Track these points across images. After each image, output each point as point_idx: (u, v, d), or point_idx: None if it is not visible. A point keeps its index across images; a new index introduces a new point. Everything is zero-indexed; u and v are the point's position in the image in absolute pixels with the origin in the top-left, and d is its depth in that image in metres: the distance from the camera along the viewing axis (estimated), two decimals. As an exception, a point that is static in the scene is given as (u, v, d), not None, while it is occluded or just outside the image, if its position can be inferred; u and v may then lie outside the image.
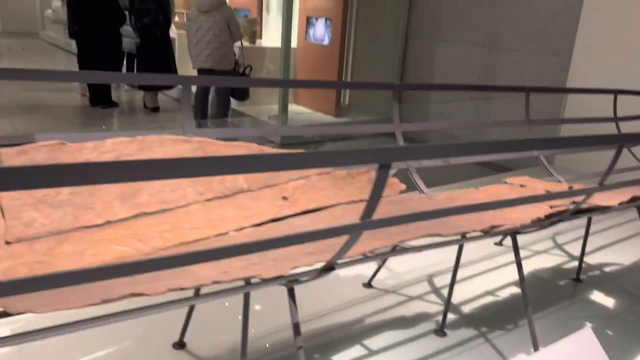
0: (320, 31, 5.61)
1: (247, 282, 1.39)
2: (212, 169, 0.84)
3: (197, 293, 1.55)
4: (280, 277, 1.17)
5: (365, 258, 1.29)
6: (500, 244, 2.73)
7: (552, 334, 1.96)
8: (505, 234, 1.71)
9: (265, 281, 1.19)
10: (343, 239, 1.13)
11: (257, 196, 1.59)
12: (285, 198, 1.63)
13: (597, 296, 2.31)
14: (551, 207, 1.86)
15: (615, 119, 2.92)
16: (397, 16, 5.36)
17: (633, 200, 1.87)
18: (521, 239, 2.76)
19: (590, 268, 2.55)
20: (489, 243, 2.72)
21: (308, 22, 5.74)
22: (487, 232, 1.65)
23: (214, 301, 1.37)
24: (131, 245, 1.29)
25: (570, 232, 2.91)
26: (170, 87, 6.18)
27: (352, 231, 1.02)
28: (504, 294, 2.27)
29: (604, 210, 1.79)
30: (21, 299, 1.00)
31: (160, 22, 5.54)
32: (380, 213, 1.74)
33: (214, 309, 1.93)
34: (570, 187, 2.15)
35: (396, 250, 1.72)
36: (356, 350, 1.81)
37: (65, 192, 1.31)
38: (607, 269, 2.56)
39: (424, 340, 1.90)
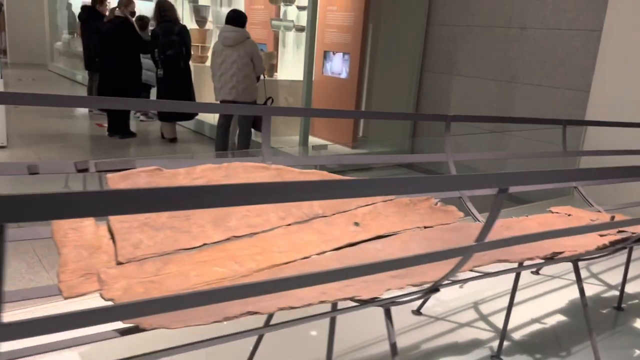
0: (338, 65, 5.76)
1: (334, 307, 1.44)
2: (302, 195, 0.88)
3: (268, 321, 1.59)
4: (376, 299, 1.22)
5: (453, 282, 1.34)
6: (537, 273, 2.78)
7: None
8: (568, 260, 1.77)
9: (365, 302, 1.24)
10: (433, 265, 1.18)
11: (331, 222, 1.65)
12: (357, 224, 1.69)
13: (640, 324, 2.36)
14: (601, 235, 1.92)
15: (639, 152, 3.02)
16: (412, 51, 5.52)
17: (684, 228, 1.94)
18: (556, 268, 2.82)
19: (630, 297, 2.59)
20: (526, 272, 2.77)
21: (325, 57, 5.89)
22: (549, 259, 1.71)
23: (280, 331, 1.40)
24: (228, 267, 1.34)
25: (603, 261, 2.96)
26: (189, 118, 6.27)
27: (466, 252, 1.07)
28: (551, 321, 2.31)
29: (660, 238, 1.85)
30: (153, 316, 1.04)
31: (183, 54, 5.67)
32: (444, 239, 1.80)
33: (275, 340, 1.96)
34: (613, 217, 2.22)
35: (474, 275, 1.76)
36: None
37: (164, 215, 1.36)
38: (646, 298, 2.61)
39: (476, 367, 1.93)
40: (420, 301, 2.31)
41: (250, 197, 0.81)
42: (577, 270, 1.78)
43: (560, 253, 1.69)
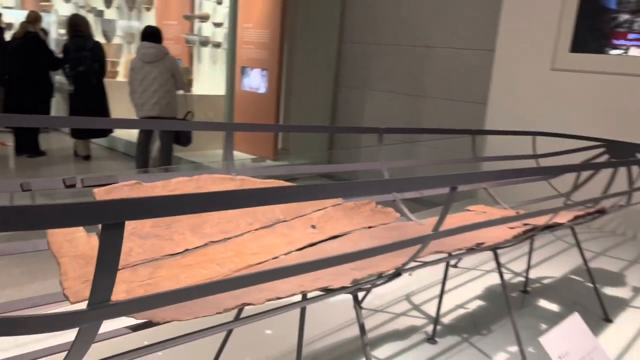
0: (256, 80, 5.93)
1: (304, 297, 1.62)
2: (268, 200, 1.02)
3: (238, 314, 1.74)
4: (350, 286, 1.43)
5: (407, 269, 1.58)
6: (456, 266, 3.12)
7: (510, 336, 2.33)
8: (489, 249, 2.07)
9: (336, 290, 1.43)
10: (382, 257, 1.40)
11: (291, 225, 1.83)
12: (313, 227, 1.88)
13: (544, 304, 2.75)
14: (510, 227, 2.27)
15: (536, 156, 3.49)
16: (327, 67, 5.84)
17: (575, 219, 2.34)
18: (469, 261, 3.18)
19: (534, 281, 3.01)
20: (442, 266, 3.11)
21: (243, 72, 6.04)
22: (474, 249, 2.01)
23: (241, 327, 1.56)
24: (211, 269, 1.48)
25: (509, 252, 3.38)
26: (104, 135, 6.14)
27: (425, 240, 1.30)
28: (473, 305, 2.64)
29: (559, 226, 2.22)
30: (162, 310, 1.17)
31: (96, 69, 5.57)
32: (386, 236, 2.04)
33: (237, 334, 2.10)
34: (517, 212, 2.59)
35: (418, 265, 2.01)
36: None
37: (147, 225, 1.48)
38: (547, 281, 3.04)
39: (420, 349, 2.19)
40: (362, 295, 2.54)
41: (229, 203, 0.91)
42: (497, 258, 2.09)
43: (483, 243, 1.99)
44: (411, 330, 2.34)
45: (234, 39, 5.20)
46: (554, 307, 2.72)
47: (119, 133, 6.46)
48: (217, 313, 1.24)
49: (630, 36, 3.93)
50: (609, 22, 4.04)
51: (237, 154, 5.81)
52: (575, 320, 1.61)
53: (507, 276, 3.06)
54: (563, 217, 2.31)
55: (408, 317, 2.47)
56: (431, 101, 5.25)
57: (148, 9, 7.27)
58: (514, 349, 2.21)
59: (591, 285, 2.78)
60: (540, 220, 2.16)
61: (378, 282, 1.47)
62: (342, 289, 1.45)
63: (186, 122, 1.74)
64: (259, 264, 1.59)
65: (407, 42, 5.36)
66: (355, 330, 2.28)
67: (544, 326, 2.50)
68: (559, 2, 4.22)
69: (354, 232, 1.97)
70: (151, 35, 4.88)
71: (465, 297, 2.74)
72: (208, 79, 6.58)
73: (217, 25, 6.24)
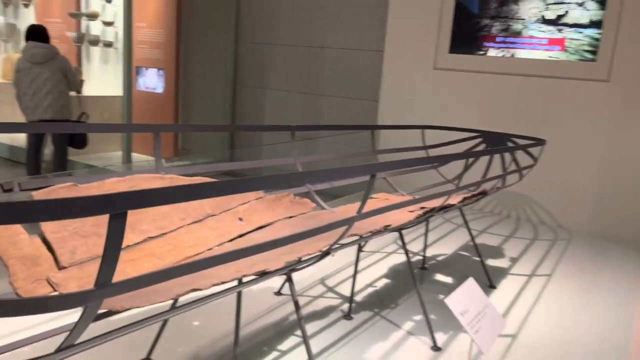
0: (152, 80, 5.85)
1: (240, 281, 1.76)
2: (201, 194, 1.12)
3: (173, 305, 1.84)
4: (285, 267, 1.60)
5: (322, 255, 1.78)
6: (361, 250, 3.40)
7: (414, 307, 2.63)
8: (395, 230, 2.34)
9: (272, 272, 1.60)
10: (301, 243, 1.59)
11: (220, 219, 1.96)
12: (240, 219, 2.02)
13: (440, 277, 3.11)
14: (410, 211, 2.57)
15: (425, 147, 3.87)
16: (225, 67, 5.91)
17: (464, 200, 2.69)
18: (373, 244, 3.47)
19: (430, 259, 3.36)
20: (352, 250, 3.37)
21: (138, 72, 5.92)
22: (383, 231, 2.26)
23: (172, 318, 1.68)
24: (154, 262, 1.57)
25: (406, 235, 3.73)
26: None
27: (351, 221, 1.51)
28: (380, 284, 2.92)
29: (451, 207, 2.55)
30: (120, 300, 1.26)
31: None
32: (306, 224, 2.23)
33: (172, 326, 2.18)
34: (414, 197, 2.91)
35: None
36: (285, 344, 2.23)
37: (89, 224, 1.53)
38: (441, 258, 3.41)
39: (338, 325, 2.41)
40: (280, 284, 2.72)
41: (169, 198, 0.97)
42: (402, 237, 2.37)
43: (389, 225, 2.25)
44: (329, 310, 2.55)
45: (129, 38, 5.09)
46: (448, 279, 3.09)
47: (1, 138, 6.03)
48: (171, 299, 1.35)
49: (498, 39, 4.47)
50: (475, 27, 4.55)
51: (136, 156, 5.70)
52: (470, 284, 1.91)
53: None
54: (454, 200, 2.66)
55: (324, 298, 2.69)
56: (326, 99, 5.53)
57: (26, 5, 6.82)
58: (419, 317, 2.51)
59: (477, 258, 3.18)
60: (437, 203, 2.47)
61: (310, 263, 1.65)
62: (277, 271, 1.61)
63: (112, 125, 1.74)
64: (195, 255, 1.71)
65: (303, 42, 5.59)
66: (276, 315, 2.45)
67: (441, 296, 2.83)
68: (438, 8, 4.68)
69: (277, 222, 2.14)
70: (38, 34, 4.64)
71: (373, 276, 3.01)
72: (100, 80, 6.34)
73: (108, 24, 6.04)
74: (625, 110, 4.04)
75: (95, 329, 1.20)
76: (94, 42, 6.17)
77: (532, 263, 3.44)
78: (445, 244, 3.69)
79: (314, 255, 1.67)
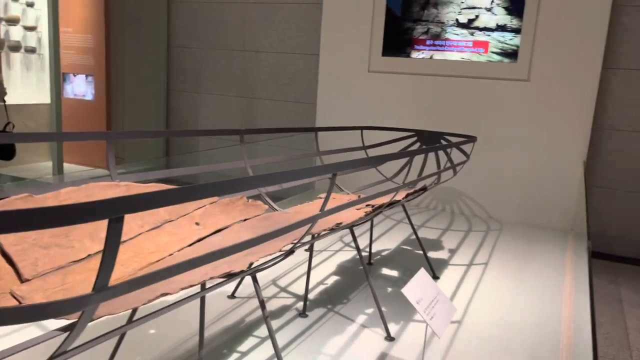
0: (81, 87, 5.63)
1: (203, 287, 1.78)
2: (152, 203, 1.11)
3: (131, 317, 1.82)
4: (250, 269, 1.63)
5: (282, 254, 1.83)
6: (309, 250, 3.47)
7: (365, 301, 2.74)
8: (347, 227, 2.42)
9: (238, 273, 1.63)
10: (267, 242, 1.64)
11: (178, 224, 1.96)
12: (197, 223, 2.03)
13: (385, 271, 3.23)
14: (357, 209, 2.67)
15: (364, 147, 4.01)
16: (157, 72, 5.80)
17: (407, 196, 2.82)
18: (320, 244, 3.55)
19: (375, 254, 3.49)
20: (300, 250, 3.44)
21: (64, 79, 5.69)
22: (337, 228, 2.34)
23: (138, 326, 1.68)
24: (117, 270, 1.56)
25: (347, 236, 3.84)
26: None
27: (314, 220, 1.57)
28: (331, 280, 3.00)
29: (396, 203, 2.67)
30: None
31: None
32: (261, 225, 2.27)
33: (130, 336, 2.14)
34: (359, 196, 3.02)
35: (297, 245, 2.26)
36: (245, 345, 2.26)
37: (47, 236, 1.50)
38: (385, 253, 3.54)
39: (294, 324, 2.47)
40: (234, 287, 2.73)
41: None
42: (353, 234, 2.46)
43: (341, 223, 2.34)
44: (284, 309, 2.60)
45: (56, 43, 4.89)
46: (394, 272, 3.22)
47: None
48: (143, 304, 1.36)
49: (428, 42, 4.69)
50: (405, 30, 4.75)
51: (69, 166, 5.47)
52: (422, 274, 2.02)
53: (353, 252, 3.50)
54: (398, 196, 2.78)
55: (279, 299, 2.73)
56: (263, 102, 5.56)
57: None
58: (371, 310, 2.61)
59: (420, 251, 3.34)
60: (384, 200, 2.58)
61: (275, 262, 1.70)
62: (242, 272, 1.64)
63: (64, 134, 1.68)
64: (157, 261, 1.71)
65: (236, 46, 5.59)
66: (233, 318, 2.47)
67: (389, 289, 2.95)
68: (370, 12, 4.84)
69: (233, 225, 2.16)
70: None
71: (324, 274, 3.09)
72: (23, 87, 6.02)
73: (29, 29, 5.75)
74: (544, 106, 4.37)
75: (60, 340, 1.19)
76: (15, 48, 5.85)
77: (469, 253, 3.65)
78: (388, 239, 3.83)
79: (276, 254, 1.72)
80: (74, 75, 5.66)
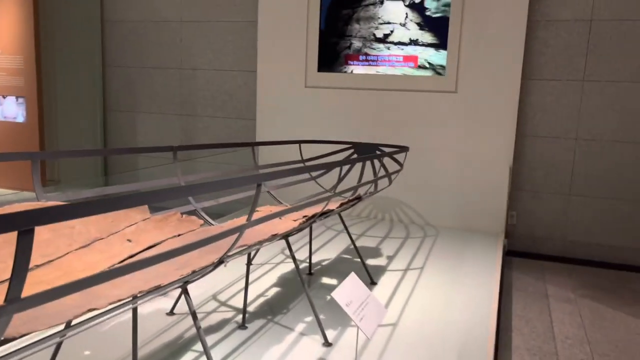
0: (11, 109, 5.47)
1: (134, 297, 1.79)
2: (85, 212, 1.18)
3: (68, 325, 1.81)
4: (180, 279, 1.67)
5: (215, 265, 1.87)
6: (250, 263, 3.50)
7: (303, 310, 2.80)
8: (282, 237, 2.48)
9: (167, 285, 1.66)
10: (195, 257, 1.69)
11: (109, 242, 1.97)
12: (129, 240, 2.04)
13: (325, 280, 3.31)
14: (294, 220, 2.74)
15: (303, 161, 4.10)
16: (92, 92, 5.72)
17: (341, 205, 2.92)
18: (261, 257, 3.59)
19: (315, 264, 3.56)
20: (242, 264, 3.46)
21: (-8, 101, 5.51)
22: (271, 239, 2.40)
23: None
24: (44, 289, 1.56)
25: (293, 244, 3.90)
26: None
27: (242, 229, 1.62)
28: (272, 292, 3.05)
29: (330, 212, 2.76)
30: (15, 325, 1.25)
31: None
32: (195, 241, 2.29)
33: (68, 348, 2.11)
34: (302, 204, 3.09)
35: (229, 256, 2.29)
36: (188, 356, 2.28)
37: (-32, 258, 1.49)
38: (325, 262, 3.62)
39: (233, 336, 2.49)
40: (172, 304, 2.73)
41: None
42: (288, 243, 2.52)
43: (276, 234, 2.40)
44: (223, 323, 2.62)
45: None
46: (333, 281, 3.30)
47: None
48: (69, 320, 1.37)
49: (361, 57, 4.85)
50: (338, 46, 4.91)
51: (-3, 190, 5.27)
52: (352, 279, 2.11)
53: (292, 263, 3.55)
54: (333, 205, 2.88)
55: (218, 312, 2.75)
56: (203, 120, 5.57)
57: None
58: (310, 318, 2.67)
59: (358, 260, 3.44)
60: (317, 209, 2.66)
61: (204, 273, 1.74)
62: (172, 284, 1.68)
63: None
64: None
65: (174, 65, 5.59)
66: (171, 334, 2.48)
67: (329, 297, 3.03)
68: (304, 28, 4.96)
69: (166, 240, 2.18)
70: None
71: (264, 286, 3.13)
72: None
73: (-48, 49, 5.55)
74: (472, 116, 4.61)
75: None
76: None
77: (406, 259, 3.78)
78: (328, 249, 3.92)
79: (207, 266, 1.76)
80: (4, 97, 5.49)
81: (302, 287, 2.47)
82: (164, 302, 2.77)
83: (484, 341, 2.52)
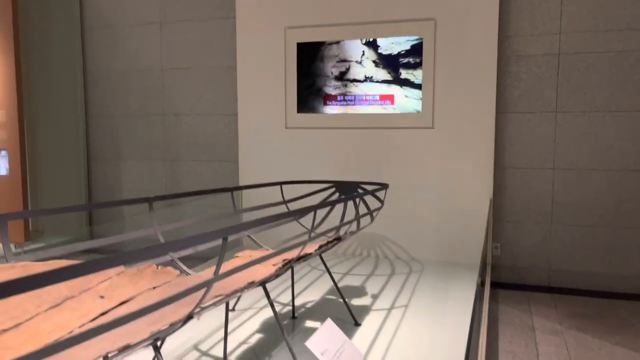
0: (-6, 162, 5.48)
1: (105, 357, 1.78)
2: (57, 279, 1.21)
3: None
4: (148, 337, 1.66)
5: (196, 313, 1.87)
6: (233, 309, 3.48)
7: (286, 357, 2.78)
8: (260, 284, 2.48)
9: (137, 344, 1.65)
10: (168, 311, 1.69)
11: (80, 299, 1.96)
12: (102, 297, 2.04)
13: (309, 323, 3.29)
14: (273, 264, 2.74)
15: (285, 202, 4.12)
16: (75, 143, 5.76)
17: (320, 247, 2.93)
18: (245, 302, 3.57)
19: (299, 307, 3.54)
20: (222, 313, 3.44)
21: (-25, 155, 5.52)
22: (247, 287, 2.40)
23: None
24: (8, 356, 1.55)
25: (276, 288, 3.89)
26: None
27: (209, 283, 1.63)
28: (254, 339, 3.02)
29: (309, 255, 2.77)
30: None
31: None
32: (171, 293, 2.29)
33: None
34: (272, 251, 3.09)
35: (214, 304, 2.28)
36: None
37: None
38: (309, 305, 3.60)
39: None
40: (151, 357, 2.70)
41: (24, 287, 0.99)
42: (266, 290, 2.52)
43: (253, 282, 2.40)
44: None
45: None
46: (317, 323, 3.27)
47: None
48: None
49: (339, 97, 4.95)
50: (318, 87, 5.01)
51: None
52: (328, 324, 2.10)
53: (278, 308, 3.53)
54: (311, 248, 2.89)
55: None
56: (187, 164, 5.61)
57: None
58: (291, 364, 2.65)
59: (342, 300, 3.42)
60: (294, 253, 2.67)
61: (174, 329, 1.73)
62: (141, 342, 1.67)
63: None
64: (55, 341, 1.70)
65: (155, 111, 5.65)
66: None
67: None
68: (282, 72, 5.06)
69: (140, 294, 2.18)
70: None
71: (247, 333, 3.10)
72: None
73: None
74: (450, 150, 4.68)
75: None
76: None
77: (391, 297, 3.77)
78: (313, 291, 3.90)
79: (176, 322, 1.76)
80: (-14, 151, 5.51)
81: (282, 334, 2.45)
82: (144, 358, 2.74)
83: (466, 380, 2.50)
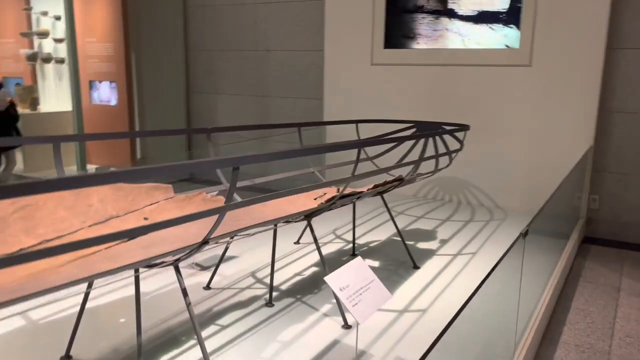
0: (106, 93, 5.97)
1: (137, 270, 1.91)
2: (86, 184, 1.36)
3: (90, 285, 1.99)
4: (166, 254, 1.75)
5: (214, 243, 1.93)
6: (298, 242, 3.56)
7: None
8: (303, 215, 2.49)
9: (157, 265, 1.75)
10: (171, 236, 1.75)
11: (125, 220, 2.11)
12: (146, 218, 2.17)
13: (368, 262, 3.27)
14: (315, 199, 2.73)
15: (359, 141, 4.04)
16: (177, 75, 6.06)
17: (375, 187, 2.86)
18: (309, 236, 3.62)
19: (362, 245, 3.53)
20: (287, 242, 3.53)
21: (91, 86, 6.04)
22: (289, 217, 2.42)
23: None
24: (47, 261, 1.72)
25: (343, 226, 3.90)
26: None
27: (222, 211, 1.67)
28: (310, 272, 3.08)
29: (362, 194, 2.72)
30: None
31: None
32: (203, 207, 2.38)
33: (96, 321, 2.32)
34: (338, 189, 3.07)
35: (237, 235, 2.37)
36: (211, 329, 2.39)
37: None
38: (373, 244, 3.58)
39: (259, 312, 2.57)
40: (208, 278, 2.87)
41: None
42: (310, 225, 2.53)
43: (299, 212, 2.41)
44: (253, 299, 2.71)
45: (74, 53, 5.23)
46: (376, 262, 3.26)
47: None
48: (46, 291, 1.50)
49: (428, 32, 4.65)
50: (405, 21, 4.73)
51: (92, 167, 5.82)
52: (357, 262, 2.07)
53: (339, 244, 3.56)
54: (365, 188, 2.83)
55: (250, 289, 2.84)
56: (275, 100, 5.69)
57: (-21, 28, 6.91)
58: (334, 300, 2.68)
59: (411, 242, 3.35)
60: (348, 190, 2.62)
61: (190, 251, 1.81)
62: (160, 257, 1.76)
63: (15, 138, 1.88)
64: (92, 253, 1.86)
65: (249, 47, 5.74)
66: (201, 308, 2.61)
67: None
68: (370, 7, 4.85)
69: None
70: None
71: (305, 265, 3.18)
72: (55, 96, 6.45)
73: (58, 41, 6.14)
74: (547, 91, 4.24)
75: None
76: (47, 59, 6.28)
77: (461, 243, 3.62)
78: (380, 231, 3.86)
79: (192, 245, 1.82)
80: (100, 83, 6.00)
81: (324, 269, 2.47)
82: (204, 276, 2.92)
83: (511, 334, 2.37)
